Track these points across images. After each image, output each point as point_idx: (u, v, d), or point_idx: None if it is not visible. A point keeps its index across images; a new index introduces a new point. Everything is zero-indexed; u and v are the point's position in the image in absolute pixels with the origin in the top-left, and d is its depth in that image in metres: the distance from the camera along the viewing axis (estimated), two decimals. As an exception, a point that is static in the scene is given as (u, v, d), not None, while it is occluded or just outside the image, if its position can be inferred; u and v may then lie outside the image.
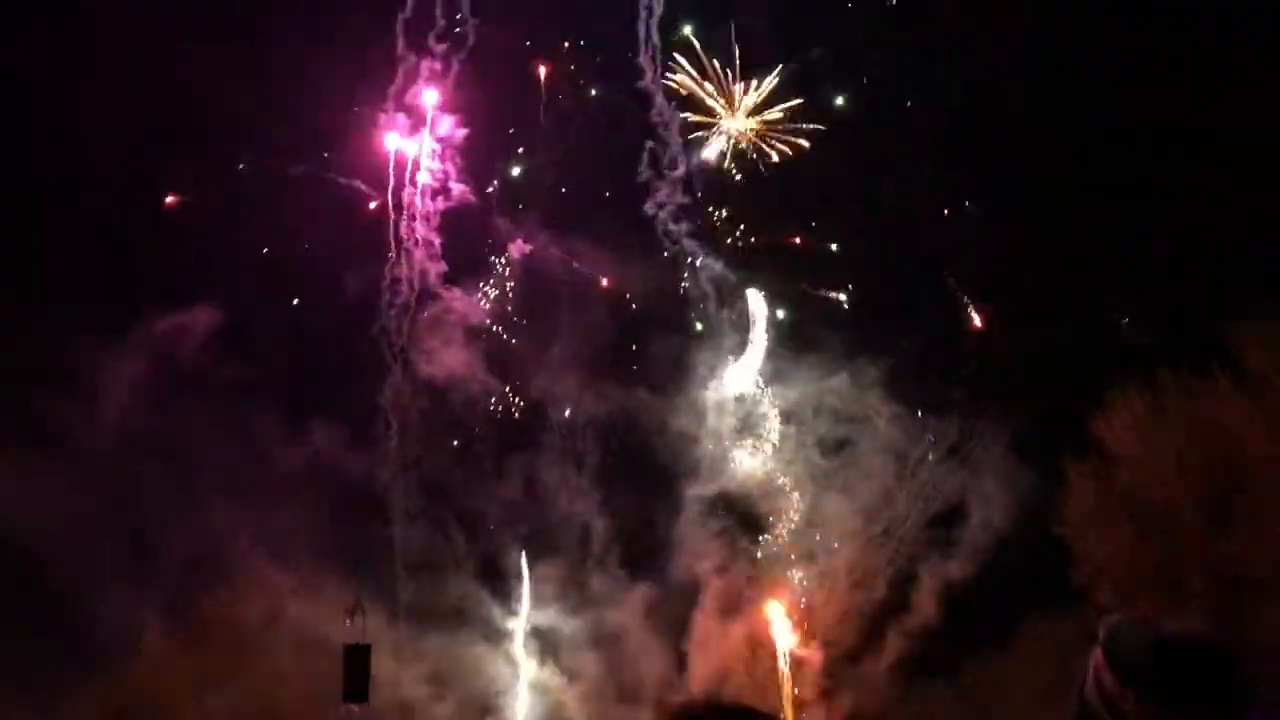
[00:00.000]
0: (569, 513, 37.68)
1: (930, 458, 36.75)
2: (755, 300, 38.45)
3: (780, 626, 37.22)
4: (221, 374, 33.01)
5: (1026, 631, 32.66)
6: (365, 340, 36.81)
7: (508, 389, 37.89)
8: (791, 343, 38.19)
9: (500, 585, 37.37)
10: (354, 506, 35.67)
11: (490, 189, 38.26)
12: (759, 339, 38.37)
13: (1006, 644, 33.11)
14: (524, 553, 37.41)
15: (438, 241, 37.55)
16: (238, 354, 33.66)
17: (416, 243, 37.33)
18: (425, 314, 37.26)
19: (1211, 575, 29.02)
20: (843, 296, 38.14)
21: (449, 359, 37.07)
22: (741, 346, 38.52)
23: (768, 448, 38.15)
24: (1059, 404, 31.60)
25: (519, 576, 37.35)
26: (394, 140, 37.33)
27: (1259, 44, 30.99)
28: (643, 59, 37.38)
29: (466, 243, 38.36)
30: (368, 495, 36.36)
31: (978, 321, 37.02)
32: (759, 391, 38.30)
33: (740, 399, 38.41)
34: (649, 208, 38.05)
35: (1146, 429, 29.89)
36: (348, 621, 30.43)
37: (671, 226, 38.12)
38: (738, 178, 38.30)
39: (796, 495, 37.91)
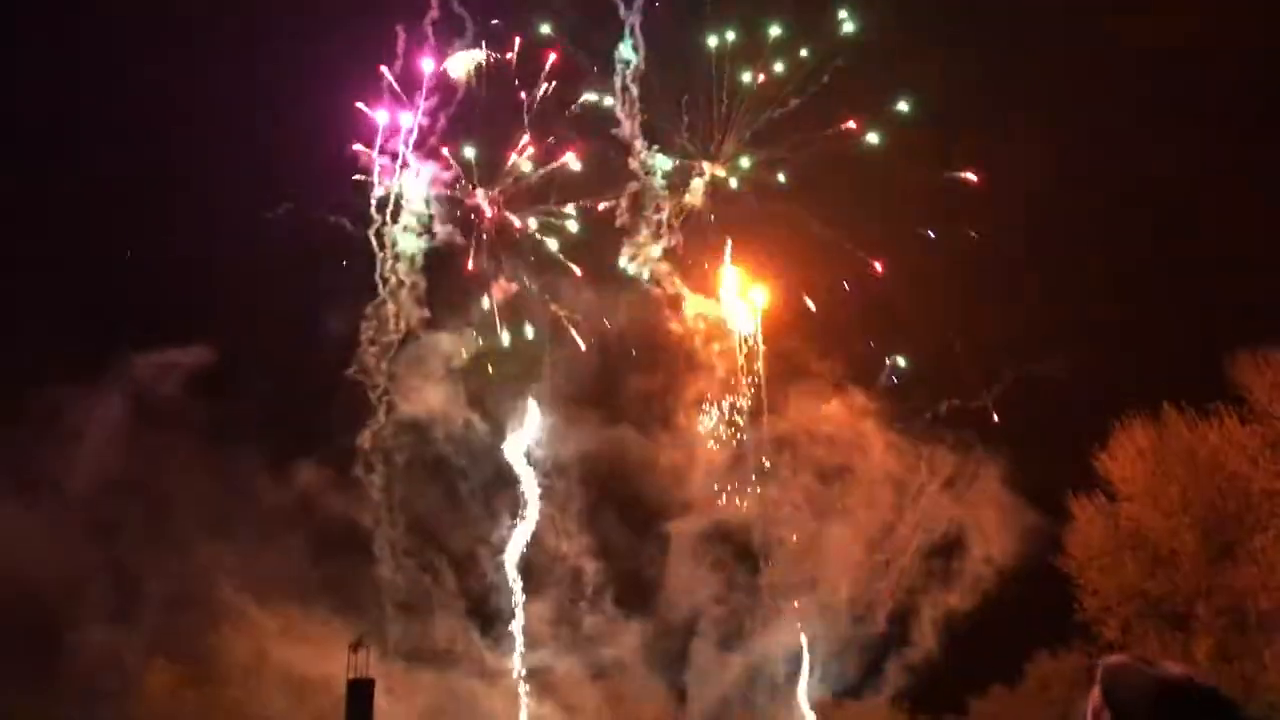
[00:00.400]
0: (561, 548, 37.61)
1: (930, 489, 36.69)
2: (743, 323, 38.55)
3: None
4: (208, 416, 32.93)
5: (1032, 666, 32.54)
6: (352, 381, 36.79)
7: (490, 429, 37.88)
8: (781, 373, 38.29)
9: (494, 623, 37.20)
10: (348, 547, 35.61)
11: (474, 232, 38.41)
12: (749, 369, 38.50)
13: (1012, 679, 33.00)
14: (519, 586, 37.23)
15: (421, 282, 37.70)
16: (225, 396, 33.57)
17: (400, 283, 37.45)
18: (409, 354, 37.28)
19: (1217, 609, 28.94)
20: (901, 361, 38.02)
21: (433, 400, 37.08)
22: (729, 381, 38.61)
23: (763, 478, 38.20)
24: (1064, 440, 31.59)
25: (512, 614, 37.14)
26: (377, 183, 37.39)
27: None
28: (620, 110, 37.67)
29: (449, 283, 38.27)
30: (360, 535, 36.30)
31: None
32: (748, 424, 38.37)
33: (732, 430, 38.45)
34: (627, 250, 38.27)
35: (1151, 465, 29.87)
36: (351, 657, 30.51)
37: (655, 267, 38.29)
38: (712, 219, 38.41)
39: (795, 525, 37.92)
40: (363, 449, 36.47)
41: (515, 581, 37.05)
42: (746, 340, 38.37)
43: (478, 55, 37.33)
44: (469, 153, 37.78)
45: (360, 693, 29.76)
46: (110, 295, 34.49)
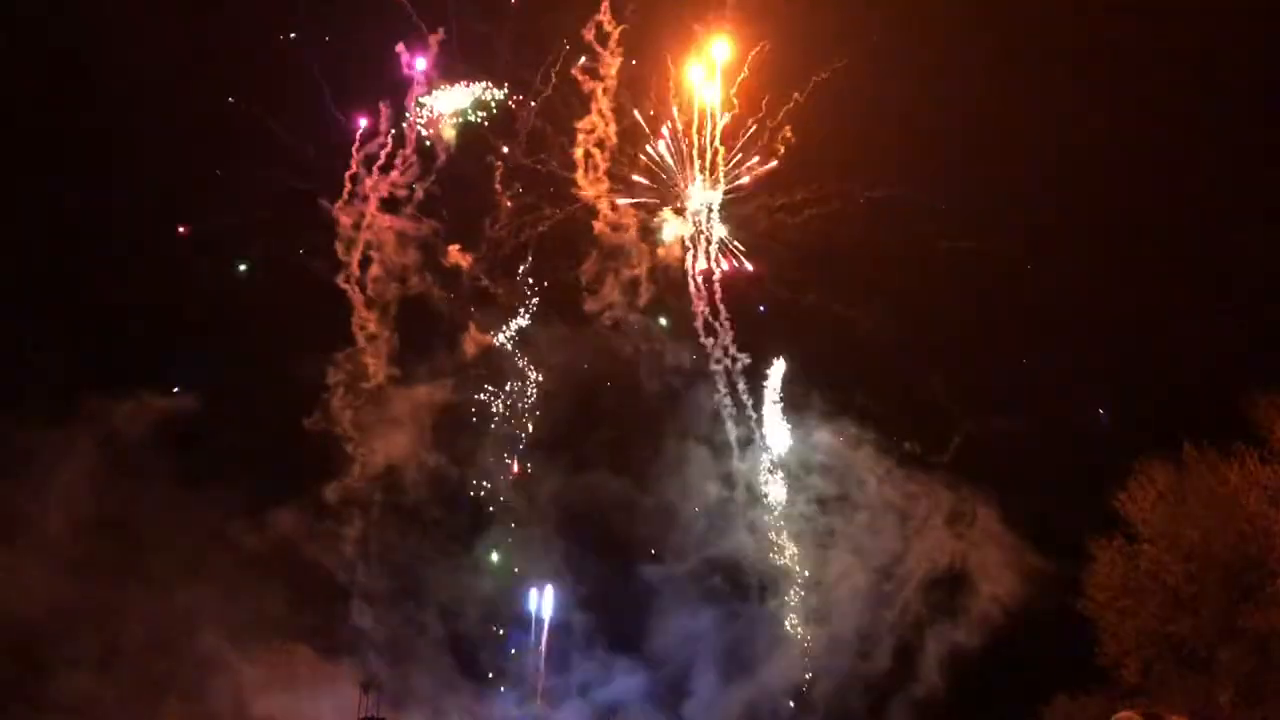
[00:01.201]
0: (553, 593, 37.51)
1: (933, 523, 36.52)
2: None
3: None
4: (186, 463, 32.86)
5: (1053, 709, 32.16)
6: (326, 430, 36.86)
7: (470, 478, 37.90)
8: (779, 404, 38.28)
9: (484, 670, 36.96)
10: (330, 595, 35.54)
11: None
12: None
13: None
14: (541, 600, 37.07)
15: (396, 331, 37.77)
16: (202, 443, 33.55)
17: (373, 335, 37.57)
18: (385, 402, 37.35)
19: (1239, 652, 28.57)
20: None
21: (409, 449, 37.14)
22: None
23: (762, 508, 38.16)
24: (1083, 480, 31.44)
25: (501, 660, 36.90)
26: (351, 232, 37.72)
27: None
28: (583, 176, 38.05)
29: (424, 332, 38.50)
30: (339, 584, 36.23)
31: None
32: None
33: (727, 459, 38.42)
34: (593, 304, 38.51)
35: (1171, 505, 29.62)
36: (363, 696, 30.63)
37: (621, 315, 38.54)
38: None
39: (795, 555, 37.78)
40: (337, 499, 36.39)
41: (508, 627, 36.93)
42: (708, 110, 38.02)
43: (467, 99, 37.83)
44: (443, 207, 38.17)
45: (372, 732, 29.78)
46: (87, 338, 34.40)
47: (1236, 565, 28.83)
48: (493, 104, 37.63)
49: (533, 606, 37.42)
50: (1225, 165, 32.11)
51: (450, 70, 37.49)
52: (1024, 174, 34.91)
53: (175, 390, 34.26)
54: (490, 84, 37.52)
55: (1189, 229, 32.40)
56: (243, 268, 36.10)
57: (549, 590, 37.61)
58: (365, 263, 37.36)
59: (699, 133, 37.32)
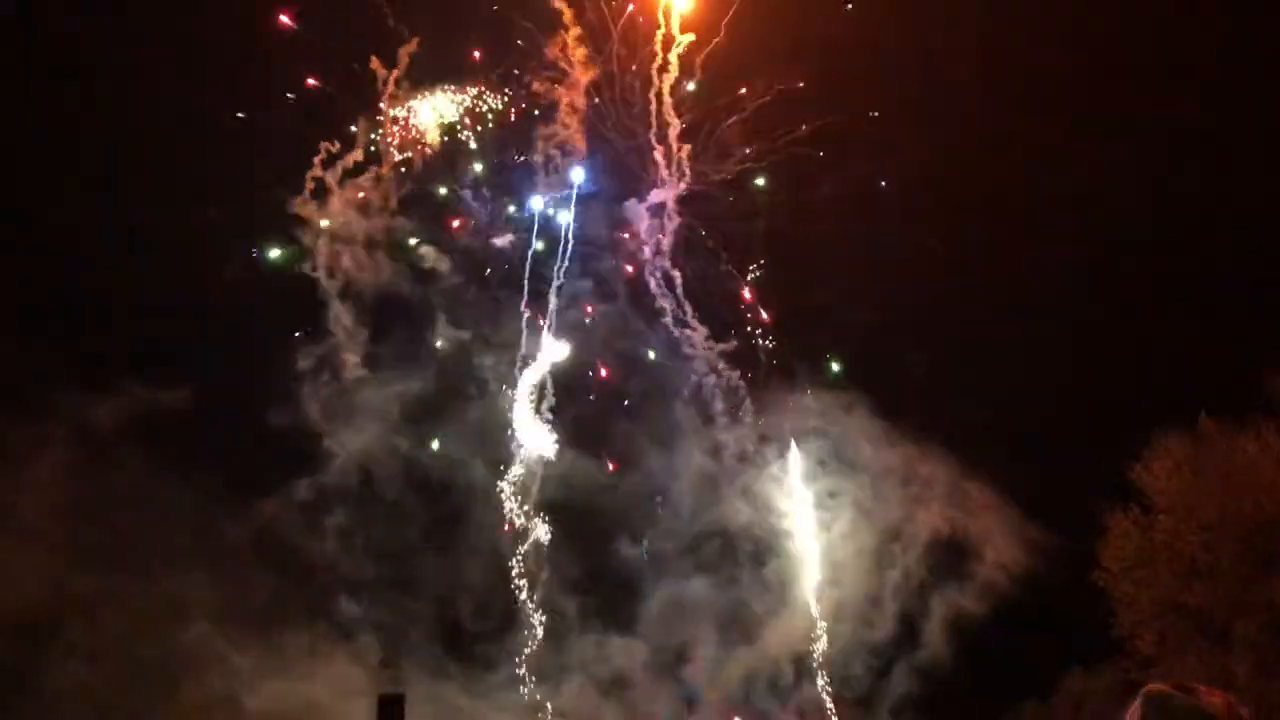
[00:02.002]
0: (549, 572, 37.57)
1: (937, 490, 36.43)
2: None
3: None
4: (169, 455, 32.73)
5: (1066, 683, 32.27)
6: (307, 422, 36.39)
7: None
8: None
9: (480, 655, 37.02)
10: (316, 585, 35.63)
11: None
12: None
13: (1046, 695, 32.73)
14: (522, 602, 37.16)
15: (373, 324, 37.38)
16: (185, 436, 33.49)
17: (346, 331, 37.52)
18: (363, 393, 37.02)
19: (1257, 624, 28.53)
20: None
21: (390, 441, 36.94)
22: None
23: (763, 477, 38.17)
24: (1098, 451, 31.33)
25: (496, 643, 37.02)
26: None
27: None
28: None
29: (401, 323, 38.21)
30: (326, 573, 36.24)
31: None
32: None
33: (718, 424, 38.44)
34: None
35: (1188, 477, 29.52)
36: (381, 673, 30.79)
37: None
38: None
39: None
40: (319, 491, 36.35)
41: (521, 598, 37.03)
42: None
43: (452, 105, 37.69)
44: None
45: (390, 708, 29.81)
46: (72, 333, 34.34)
47: (1253, 536, 28.76)
48: (490, 115, 37.52)
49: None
50: (1244, 135, 31.89)
51: (426, 77, 37.33)
52: (1029, 145, 34.77)
53: (163, 384, 34.14)
54: (486, 89, 37.38)
55: (1206, 196, 32.14)
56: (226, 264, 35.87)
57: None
58: (338, 258, 37.33)
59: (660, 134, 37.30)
